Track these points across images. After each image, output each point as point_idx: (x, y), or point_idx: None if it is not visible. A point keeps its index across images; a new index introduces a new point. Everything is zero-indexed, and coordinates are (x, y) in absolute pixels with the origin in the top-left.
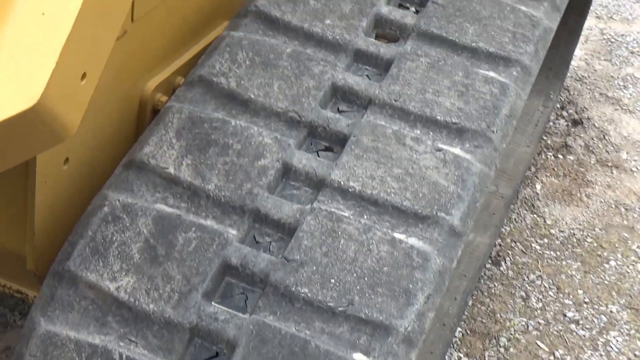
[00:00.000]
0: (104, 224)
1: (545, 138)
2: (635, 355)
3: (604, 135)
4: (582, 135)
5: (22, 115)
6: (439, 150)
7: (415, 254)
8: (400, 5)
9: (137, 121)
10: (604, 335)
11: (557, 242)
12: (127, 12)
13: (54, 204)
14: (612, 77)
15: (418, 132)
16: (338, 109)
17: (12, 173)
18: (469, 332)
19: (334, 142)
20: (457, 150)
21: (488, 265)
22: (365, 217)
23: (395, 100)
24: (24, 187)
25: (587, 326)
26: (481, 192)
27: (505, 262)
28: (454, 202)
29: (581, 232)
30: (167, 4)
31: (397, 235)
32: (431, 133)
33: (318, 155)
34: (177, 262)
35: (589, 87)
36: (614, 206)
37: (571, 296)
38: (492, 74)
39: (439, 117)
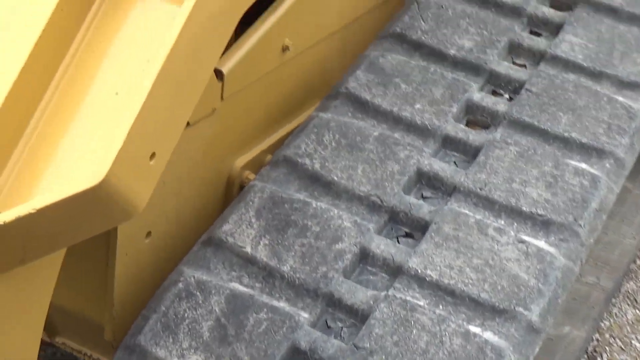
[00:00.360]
0: (177, 299)
1: None
2: None
3: None
4: None
5: (88, 192)
6: (522, 242)
7: (489, 349)
8: (494, 92)
9: (224, 198)
10: None
11: None
12: (199, 96)
13: (134, 276)
14: None
15: (502, 222)
16: (422, 195)
17: (94, 243)
18: None
19: (415, 229)
20: (541, 243)
21: None
22: (441, 307)
23: (481, 189)
24: (106, 258)
25: None
26: (564, 288)
27: (602, 358)
28: (534, 297)
29: None
30: (258, 84)
31: (472, 328)
32: (515, 224)
33: (398, 241)
34: (246, 343)
35: None
36: None
37: None
38: (583, 165)
39: (524, 208)
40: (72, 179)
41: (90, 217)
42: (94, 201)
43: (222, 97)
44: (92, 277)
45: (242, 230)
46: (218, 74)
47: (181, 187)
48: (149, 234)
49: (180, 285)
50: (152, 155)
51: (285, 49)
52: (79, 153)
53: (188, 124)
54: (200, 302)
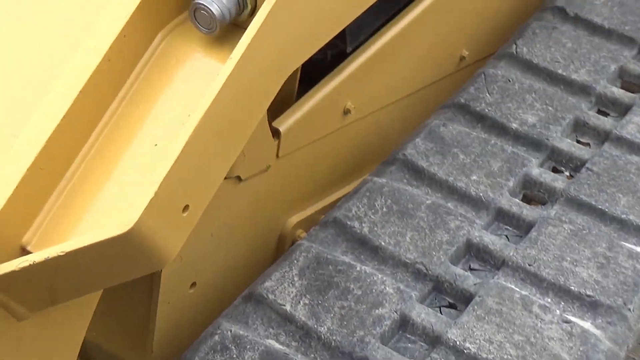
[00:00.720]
0: (212, 352)
1: None
2: None
3: None
4: None
5: (117, 238)
6: (567, 322)
7: None
8: (555, 169)
9: (274, 254)
10: None
11: None
12: (237, 153)
13: (176, 324)
14: None
15: (548, 300)
16: (469, 266)
17: (137, 287)
18: None
19: (459, 300)
20: (586, 325)
21: None
22: None
23: (530, 265)
24: (148, 303)
25: None
26: None
27: None
28: None
29: None
30: (316, 145)
31: None
32: (562, 303)
33: (440, 311)
34: None
35: None
36: None
37: None
38: (638, 249)
39: (572, 288)
40: (104, 225)
41: (120, 263)
42: (123, 248)
43: (277, 155)
44: (133, 321)
45: (284, 288)
46: (275, 132)
47: (230, 240)
48: (193, 284)
49: (217, 337)
50: (185, 208)
51: (346, 112)
52: (114, 200)
53: (240, 178)
54: (235, 356)
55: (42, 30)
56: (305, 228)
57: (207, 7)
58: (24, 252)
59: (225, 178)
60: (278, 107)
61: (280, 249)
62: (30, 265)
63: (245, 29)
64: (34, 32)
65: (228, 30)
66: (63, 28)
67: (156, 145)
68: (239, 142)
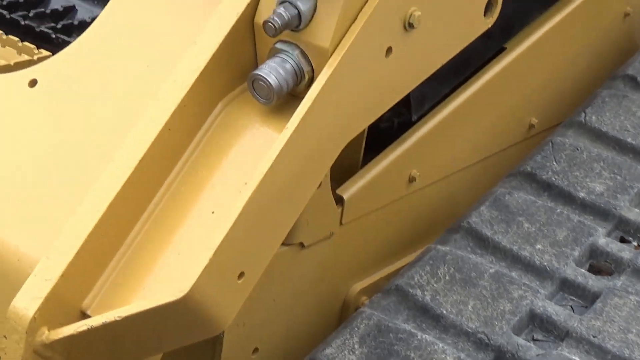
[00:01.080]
0: None
1: None
2: None
3: None
4: None
5: (171, 305)
6: None
7: None
8: (622, 239)
9: (338, 321)
10: None
11: None
12: (293, 221)
13: None
14: None
15: None
16: (532, 337)
17: (199, 353)
18: None
19: None
20: None
21: None
22: None
23: (594, 337)
24: None
25: None
26: None
27: None
28: None
29: None
30: (380, 212)
31: None
32: None
33: None
34: None
35: None
36: None
37: None
38: None
39: None
40: (162, 291)
41: (176, 329)
42: (178, 314)
43: (341, 222)
44: None
45: (344, 355)
46: (339, 199)
47: (293, 306)
48: (255, 350)
49: None
50: (241, 275)
51: (411, 179)
52: (172, 266)
53: (303, 245)
54: None
55: (105, 101)
56: (370, 295)
57: (265, 79)
58: (84, 316)
59: (289, 245)
60: (343, 175)
61: (344, 315)
62: (88, 329)
63: (302, 98)
64: (98, 102)
65: (286, 99)
66: (125, 98)
67: (213, 212)
68: (295, 210)
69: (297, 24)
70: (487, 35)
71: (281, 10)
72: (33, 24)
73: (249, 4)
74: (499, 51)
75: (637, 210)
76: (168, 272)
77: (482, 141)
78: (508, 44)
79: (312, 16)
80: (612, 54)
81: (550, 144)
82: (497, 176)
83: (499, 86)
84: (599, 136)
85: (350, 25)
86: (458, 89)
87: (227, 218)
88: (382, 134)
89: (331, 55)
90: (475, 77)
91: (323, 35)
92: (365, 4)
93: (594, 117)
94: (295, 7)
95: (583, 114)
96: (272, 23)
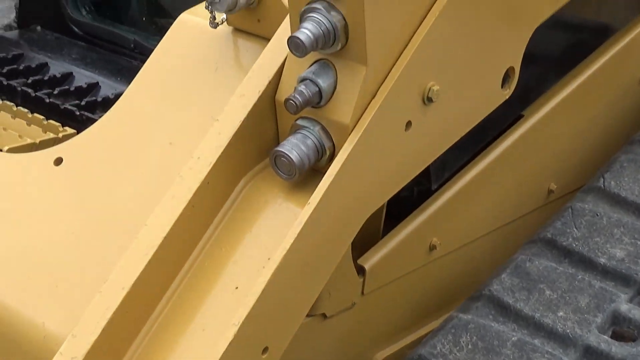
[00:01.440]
0: None
1: None
2: None
3: None
4: None
5: None
6: None
7: None
8: None
9: None
10: None
11: None
12: (317, 294)
13: None
14: None
15: None
16: None
17: None
18: None
19: None
20: None
21: None
22: None
23: None
24: None
25: None
26: None
27: None
28: None
29: None
30: (402, 281)
31: None
32: None
33: None
34: None
35: None
36: None
37: None
38: None
39: None
40: None
41: None
42: None
43: (362, 292)
44: None
45: None
46: (360, 269)
47: None
48: None
49: None
50: (265, 350)
51: (432, 247)
52: (195, 343)
53: (325, 316)
54: None
55: (129, 178)
56: None
57: (287, 155)
58: None
59: (311, 315)
60: (364, 245)
61: None
62: None
63: (324, 174)
64: (123, 180)
65: (308, 175)
66: (150, 176)
67: (237, 288)
68: (318, 284)
69: (318, 100)
70: (505, 103)
71: (302, 88)
72: (57, 102)
73: (270, 82)
74: (517, 118)
75: None
76: (193, 348)
77: (501, 208)
78: (526, 111)
79: (333, 93)
80: (629, 118)
81: (570, 210)
82: (517, 242)
83: (517, 153)
84: (618, 201)
85: (370, 101)
86: (477, 157)
87: (250, 294)
88: (402, 203)
89: (352, 131)
90: (494, 144)
91: (343, 111)
92: (384, 80)
93: (612, 182)
94: (316, 84)
95: (602, 179)
96: (293, 101)
